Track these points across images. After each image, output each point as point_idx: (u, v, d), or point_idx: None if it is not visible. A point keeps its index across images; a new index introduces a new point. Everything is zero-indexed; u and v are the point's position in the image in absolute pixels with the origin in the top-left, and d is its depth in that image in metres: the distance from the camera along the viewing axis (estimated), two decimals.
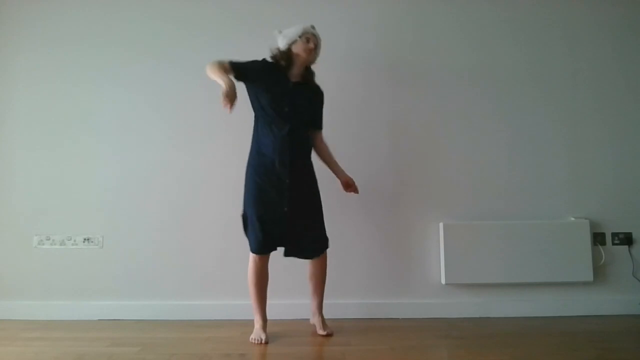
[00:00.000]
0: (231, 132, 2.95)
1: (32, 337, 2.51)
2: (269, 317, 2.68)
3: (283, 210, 2.43)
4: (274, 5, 3.02)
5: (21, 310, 2.86)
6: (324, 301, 2.60)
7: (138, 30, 3.04)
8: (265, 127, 2.48)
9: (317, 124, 2.59)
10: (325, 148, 2.62)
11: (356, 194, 2.64)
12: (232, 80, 2.31)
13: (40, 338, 2.50)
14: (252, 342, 2.38)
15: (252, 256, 2.49)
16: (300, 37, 2.49)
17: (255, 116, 2.55)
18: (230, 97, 2.25)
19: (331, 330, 2.51)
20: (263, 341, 2.38)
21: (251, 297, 2.51)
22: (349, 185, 2.62)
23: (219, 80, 2.32)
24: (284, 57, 2.50)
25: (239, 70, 2.44)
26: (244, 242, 2.86)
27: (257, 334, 2.43)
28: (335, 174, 2.62)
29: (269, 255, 2.49)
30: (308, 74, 2.55)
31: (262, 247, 2.45)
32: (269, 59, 2.54)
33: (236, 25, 3.03)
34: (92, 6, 3.06)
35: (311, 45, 2.49)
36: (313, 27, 2.55)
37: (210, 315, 2.82)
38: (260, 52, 2.92)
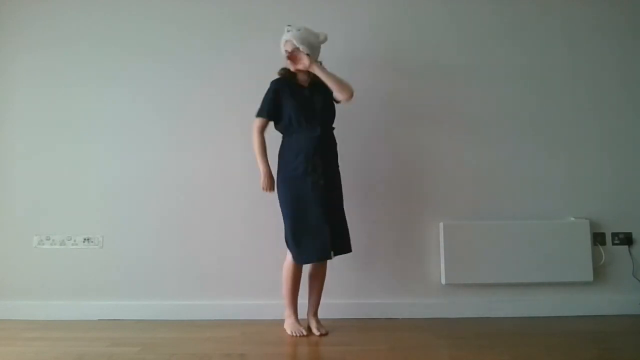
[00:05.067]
0: (231, 132, 2.96)
1: (32, 337, 2.51)
2: (270, 317, 2.72)
3: (319, 211, 2.46)
4: (274, 5, 3.02)
5: (21, 310, 2.86)
6: (321, 301, 2.61)
7: (138, 30, 3.04)
8: (294, 136, 2.54)
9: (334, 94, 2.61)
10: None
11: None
12: (269, 170, 2.57)
13: (40, 338, 2.50)
14: (292, 336, 2.47)
15: (290, 258, 2.53)
16: (284, 52, 2.57)
17: (284, 130, 2.59)
18: (268, 187, 2.56)
19: (326, 330, 2.53)
20: (304, 333, 2.48)
21: (284, 293, 2.56)
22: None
23: (260, 167, 2.57)
24: (286, 74, 2.60)
25: (269, 117, 2.57)
26: (244, 242, 2.87)
27: (296, 328, 2.50)
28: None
29: None
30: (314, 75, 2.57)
31: (315, 257, 2.51)
32: (278, 75, 2.63)
33: (236, 25, 3.02)
34: (91, 7, 3.06)
35: (288, 60, 2.53)
36: (288, 29, 2.56)
37: (210, 315, 2.82)
38: (260, 51, 2.94)
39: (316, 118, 2.53)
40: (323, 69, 2.51)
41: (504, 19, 3.03)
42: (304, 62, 2.50)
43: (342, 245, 2.54)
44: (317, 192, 2.47)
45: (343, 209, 2.59)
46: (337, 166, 2.62)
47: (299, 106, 2.53)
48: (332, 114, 2.60)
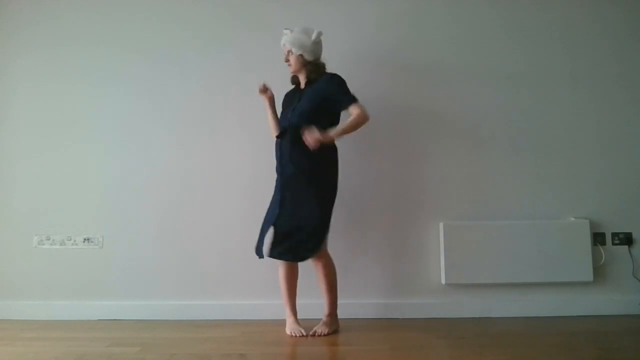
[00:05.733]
0: (231, 132, 2.96)
1: (32, 337, 2.51)
2: (270, 317, 2.73)
3: (275, 213, 2.48)
4: (274, 5, 3.02)
5: (21, 310, 2.86)
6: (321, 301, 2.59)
7: (138, 30, 3.04)
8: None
9: (338, 106, 2.50)
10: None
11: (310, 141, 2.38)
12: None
13: (40, 338, 2.50)
14: (291, 336, 2.47)
15: None
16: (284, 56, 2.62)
17: None
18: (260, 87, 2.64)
19: (323, 331, 2.48)
20: (303, 334, 2.46)
21: (282, 294, 2.58)
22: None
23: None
24: (293, 79, 2.67)
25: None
26: (244, 242, 2.87)
27: (294, 328, 2.50)
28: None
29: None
30: (310, 71, 2.55)
31: (257, 251, 2.52)
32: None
33: (236, 25, 3.03)
34: (91, 7, 3.06)
35: (285, 62, 2.59)
36: (284, 33, 2.58)
37: (210, 315, 2.82)
38: (260, 51, 2.95)
39: (288, 119, 2.54)
40: (338, 132, 2.44)
41: (505, 19, 3.03)
42: (321, 140, 2.39)
43: (292, 251, 2.46)
44: (276, 192, 2.55)
45: (307, 215, 2.44)
46: (313, 171, 2.47)
47: (284, 109, 2.64)
48: (313, 116, 2.46)
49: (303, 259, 2.49)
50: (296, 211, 2.46)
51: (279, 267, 2.56)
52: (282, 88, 2.69)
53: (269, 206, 2.58)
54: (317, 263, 2.54)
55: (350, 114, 2.47)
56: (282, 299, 2.58)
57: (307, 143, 2.39)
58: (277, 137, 2.56)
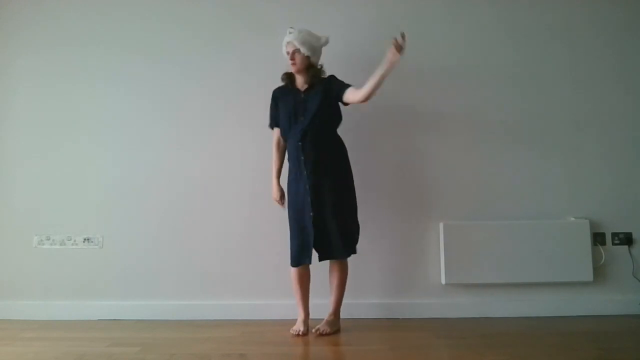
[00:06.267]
0: (231, 132, 2.96)
1: (32, 337, 2.51)
2: (270, 317, 2.72)
3: (310, 216, 2.48)
4: (274, 5, 3.02)
5: (21, 310, 2.86)
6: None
7: (137, 30, 3.04)
8: (288, 141, 2.60)
9: (342, 95, 2.53)
10: (358, 91, 2.47)
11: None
12: (276, 186, 2.65)
13: (40, 338, 2.51)
14: (291, 333, 2.49)
15: None
16: (286, 54, 2.59)
17: (284, 137, 2.65)
18: (275, 202, 2.65)
19: (325, 330, 2.49)
20: (301, 332, 2.47)
21: (294, 294, 2.57)
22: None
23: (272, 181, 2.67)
24: (286, 77, 2.64)
25: (277, 126, 2.66)
26: (244, 242, 2.88)
27: (296, 325, 2.51)
28: (383, 69, 2.38)
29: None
30: (313, 75, 2.58)
31: (295, 262, 2.51)
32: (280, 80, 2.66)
33: (236, 25, 3.03)
34: (91, 7, 3.06)
35: (290, 60, 2.56)
36: (290, 32, 2.58)
37: (210, 315, 2.82)
38: (259, 51, 2.95)
39: (303, 123, 2.53)
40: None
41: (505, 19, 3.03)
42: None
43: (329, 251, 2.51)
44: (303, 197, 2.51)
45: (338, 213, 2.50)
46: (334, 169, 2.54)
47: (290, 112, 2.59)
48: (325, 117, 2.55)
49: (348, 255, 2.55)
50: (331, 211, 2.49)
51: (291, 269, 2.54)
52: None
53: (295, 214, 2.53)
54: (335, 261, 2.55)
55: (353, 97, 2.50)
56: (296, 299, 2.57)
57: (397, 49, 2.29)
58: (299, 141, 2.53)
